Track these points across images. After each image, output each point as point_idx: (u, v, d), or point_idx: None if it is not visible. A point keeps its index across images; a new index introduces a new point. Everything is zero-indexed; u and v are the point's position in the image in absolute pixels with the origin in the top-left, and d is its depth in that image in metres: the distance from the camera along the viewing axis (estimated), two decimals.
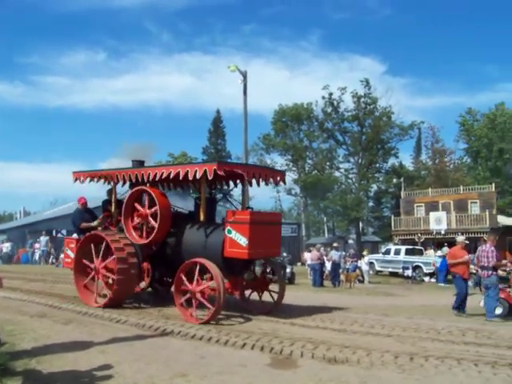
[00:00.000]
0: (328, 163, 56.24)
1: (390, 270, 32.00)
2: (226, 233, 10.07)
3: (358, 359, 7.19)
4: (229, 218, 10.19)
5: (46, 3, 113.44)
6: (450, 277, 24.59)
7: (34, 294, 13.42)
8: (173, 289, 10.59)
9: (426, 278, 28.25)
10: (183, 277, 10.07)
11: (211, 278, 9.84)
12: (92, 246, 11.50)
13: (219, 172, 10.01)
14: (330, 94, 52.22)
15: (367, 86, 51.83)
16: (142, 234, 11.34)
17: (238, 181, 12.38)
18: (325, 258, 25.08)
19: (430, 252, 31.39)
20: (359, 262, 27.19)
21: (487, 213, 35.49)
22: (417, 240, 37.20)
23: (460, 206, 38.08)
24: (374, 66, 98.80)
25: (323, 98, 52.72)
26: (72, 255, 12.45)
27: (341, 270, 24.54)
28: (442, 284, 25.27)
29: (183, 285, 10.09)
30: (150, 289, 12.51)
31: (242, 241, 9.80)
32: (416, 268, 28.98)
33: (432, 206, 39.56)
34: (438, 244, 34.95)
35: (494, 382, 6.34)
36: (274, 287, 11.52)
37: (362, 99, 51.92)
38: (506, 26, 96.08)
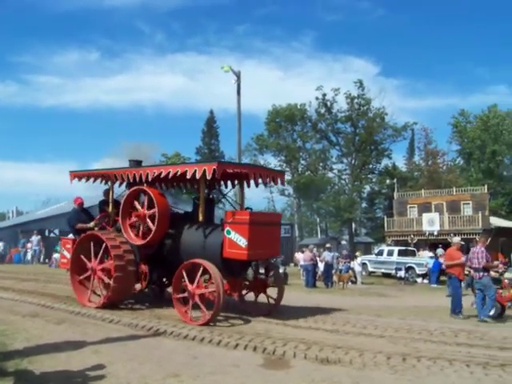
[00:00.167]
0: (321, 164, 56.32)
1: (383, 270, 32.03)
2: (225, 233, 9.97)
3: (351, 360, 7.21)
4: (228, 219, 10.10)
5: (39, 2, 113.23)
6: (442, 278, 24.78)
7: (26, 294, 13.38)
8: (171, 290, 10.53)
9: (419, 279, 28.28)
10: (184, 276, 9.99)
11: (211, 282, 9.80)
12: (89, 246, 11.41)
13: (218, 172, 9.94)
14: (324, 95, 52.35)
15: (361, 87, 52.00)
16: (139, 234, 11.25)
17: (235, 181, 12.32)
18: (318, 258, 25.09)
19: (424, 253, 31.39)
20: (352, 262, 27.20)
21: (480, 214, 35.59)
22: (410, 241, 37.27)
23: (453, 208, 38.17)
24: (368, 67, 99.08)
25: (317, 98, 52.89)
26: (68, 256, 12.34)
27: (333, 271, 24.58)
28: (435, 285, 25.31)
29: (182, 286, 10.03)
30: (146, 290, 12.42)
31: (242, 241, 9.71)
32: (409, 269, 29.01)
33: (425, 207, 39.65)
34: (430, 245, 35.00)
35: (485, 382, 6.38)
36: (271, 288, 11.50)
37: (356, 100, 52.05)
38: (499, 28, 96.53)
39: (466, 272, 15.35)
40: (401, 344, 8.50)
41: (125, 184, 12.62)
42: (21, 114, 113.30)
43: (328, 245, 27.79)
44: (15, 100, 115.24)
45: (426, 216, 37.79)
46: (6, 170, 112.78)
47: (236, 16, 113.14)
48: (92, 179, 12.78)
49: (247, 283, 11.49)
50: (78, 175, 12.93)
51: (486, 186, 40.14)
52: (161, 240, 11.15)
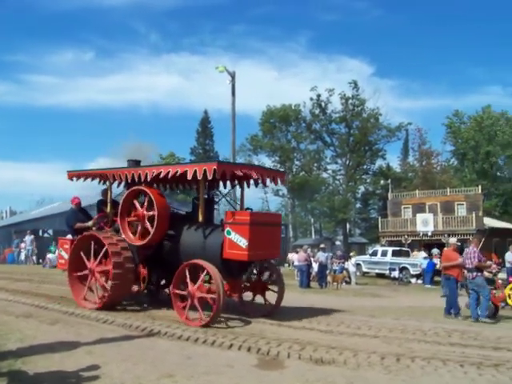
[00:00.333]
0: (315, 164, 56.31)
1: (377, 271, 32.07)
2: (226, 234, 9.88)
3: (345, 360, 7.22)
4: (228, 219, 10.03)
5: (34, 1, 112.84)
6: (436, 278, 24.85)
7: (19, 294, 13.34)
8: (168, 291, 10.46)
9: (413, 280, 28.35)
10: (187, 275, 9.87)
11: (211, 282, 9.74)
12: (87, 246, 11.31)
13: (218, 172, 9.89)
14: (318, 96, 52.35)
15: (355, 87, 52.05)
16: (138, 234, 11.13)
17: (235, 181, 12.19)
18: (312, 259, 25.11)
19: (420, 253, 31.40)
20: (346, 263, 27.23)
21: (473, 215, 35.69)
22: (404, 241, 37.34)
23: (447, 208, 38.27)
24: (362, 68, 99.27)
25: (311, 99, 52.89)
26: (66, 256, 12.23)
27: (328, 272, 24.60)
28: (429, 285, 25.38)
29: (181, 287, 9.95)
30: (145, 291, 12.30)
31: (242, 242, 9.62)
32: (403, 269, 29.07)
33: (419, 208, 39.72)
34: (425, 245, 35.08)
35: (479, 382, 6.39)
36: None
37: (350, 101, 52.08)
38: (494, 29, 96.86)
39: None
40: (395, 344, 8.51)
41: (123, 184, 12.55)
42: (16, 113, 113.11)
43: (322, 245, 27.83)
44: (10, 99, 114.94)
45: (419, 216, 37.86)
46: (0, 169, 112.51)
47: (231, 16, 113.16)
48: (90, 179, 12.65)
49: (248, 284, 11.46)
50: (75, 175, 12.82)
51: (479, 187, 40.24)
52: (160, 241, 11.04)
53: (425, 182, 51.90)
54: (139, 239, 11.06)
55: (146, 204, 10.98)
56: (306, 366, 6.97)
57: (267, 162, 56.82)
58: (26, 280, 18.37)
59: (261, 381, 6.26)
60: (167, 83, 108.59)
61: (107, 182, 12.42)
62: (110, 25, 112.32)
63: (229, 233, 9.84)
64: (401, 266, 29.25)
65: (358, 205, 62.78)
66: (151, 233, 10.72)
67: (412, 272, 28.69)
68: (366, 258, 33.66)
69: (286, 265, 36.38)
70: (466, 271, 12.76)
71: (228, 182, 12.33)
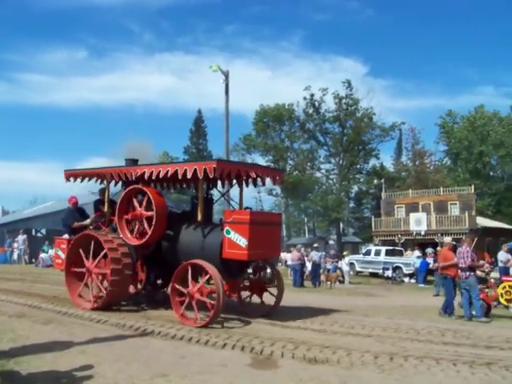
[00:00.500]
0: (309, 164, 56.30)
1: (371, 270, 32.11)
2: (225, 233, 9.82)
3: (338, 359, 7.23)
4: (227, 218, 9.96)
5: (26, 0, 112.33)
6: (429, 278, 24.92)
7: (12, 294, 13.30)
8: (169, 290, 10.35)
9: (406, 279, 28.40)
10: (186, 275, 9.78)
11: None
12: (84, 246, 11.24)
13: (218, 171, 9.84)
14: (312, 95, 52.37)
15: (349, 87, 52.09)
16: (136, 234, 11.07)
17: (233, 180, 11.95)
18: (305, 258, 25.12)
19: (414, 252, 31.41)
20: (340, 262, 27.26)
21: (466, 214, 35.78)
22: (397, 241, 37.42)
23: (440, 208, 38.37)
24: (356, 68, 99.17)
25: (305, 98, 52.89)
26: (63, 256, 12.13)
27: (321, 271, 24.62)
28: (422, 285, 25.43)
29: (180, 287, 9.82)
30: (143, 291, 12.24)
31: (242, 241, 9.56)
32: (396, 269, 29.12)
33: (412, 207, 39.81)
34: (418, 245, 35.15)
35: (471, 381, 6.42)
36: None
37: (344, 100, 52.13)
38: (487, 29, 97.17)
39: None
40: (388, 343, 8.53)
41: (120, 183, 12.46)
42: (8, 112, 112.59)
43: (316, 244, 27.84)
44: (2, 98, 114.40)
45: (413, 216, 37.93)
46: None
47: (225, 16, 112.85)
48: (87, 179, 12.52)
49: (247, 284, 11.43)
50: (72, 174, 12.67)
51: (472, 187, 40.38)
52: (158, 240, 10.98)
53: (418, 181, 52.02)
54: (137, 239, 11.01)
55: (144, 203, 10.90)
56: (299, 365, 6.98)
57: (261, 161, 56.77)
58: (19, 280, 18.33)
59: (254, 380, 6.27)
60: (161, 82, 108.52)
61: (104, 182, 12.30)
62: (103, 24, 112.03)
63: (228, 232, 9.78)
64: (394, 265, 29.29)
65: (352, 204, 62.82)
66: (149, 232, 10.66)
67: (405, 271, 28.74)
68: (360, 257, 33.68)
69: (280, 264, 36.37)
70: (459, 271, 12.80)
71: (226, 181, 12.23)
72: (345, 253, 30.90)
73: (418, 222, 36.95)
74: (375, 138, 53.77)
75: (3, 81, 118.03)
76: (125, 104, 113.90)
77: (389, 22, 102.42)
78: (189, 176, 10.25)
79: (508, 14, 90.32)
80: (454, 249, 13.48)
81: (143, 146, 12.80)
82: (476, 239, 30.19)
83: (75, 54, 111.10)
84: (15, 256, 32.91)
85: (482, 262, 17.13)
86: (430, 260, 25.63)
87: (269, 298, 11.36)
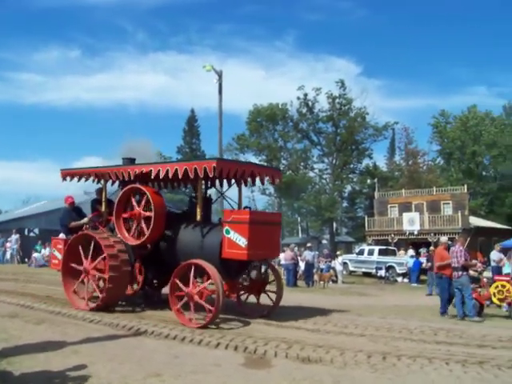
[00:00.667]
0: (302, 163, 56.29)
1: (364, 270, 32.20)
2: (224, 233, 9.74)
3: (332, 359, 7.24)
4: (227, 218, 9.89)
5: None
6: (423, 277, 24.99)
7: (5, 294, 13.24)
8: (167, 291, 10.22)
9: (399, 279, 28.49)
10: (191, 276, 9.62)
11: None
12: (81, 246, 11.10)
13: (218, 170, 9.77)
14: (305, 95, 52.35)
15: (342, 86, 52.08)
16: (134, 233, 10.96)
17: (232, 180, 11.86)
18: (299, 258, 25.14)
19: (409, 252, 31.44)
20: (333, 262, 27.31)
21: (459, 214, 35.88)
22: (390, 240, 37.50)
23: (433, 207, 38.47)
24: (349, 68, 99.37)
25: (298, 98, 52.85)
26: (60, 256, 11.98)
27: (314, 270, 24.65)
28: (415, 284, 25.51)
29: (179, 287, 9.71)
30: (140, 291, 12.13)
31: (241, 241, 9.48)
32: (389, 268, 29.21)
33: (405, 207, 39.90)
34: (411, 244, 35.21)
35: (464, 379, 6.44)
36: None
37: (337, 100, 52.11)
38: (480, 29, 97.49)
39: None
40: (381, 343, 8.55)
41: (117, 183, 12.34)
42: (1, 111, 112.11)
43: (309, 244, 27.90)
44: None
45: (406, 215, 38.01)
46: None
47: (219, 15, 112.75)
48: (84, 178, 12.37)
49: (246, 284, 11.38)
50: (69, 174, 12.52)
51: (465, 186, 40.48)
52: (156, 240, 10.89)
53: (411, 181, 52.07)
54: (135, 238, 10.92)
55: (143, 203, 10.80)
56: (292, 364, 6.99)
57: (254, 161, 56.78)
58: (12, 279, 18.28)
59: (248, 380, 6.27)
60: (154, 82, 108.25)
61: (102, 181, 12.14)
62: (96, 23, 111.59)
63: (228, 232, 9.71)
64: (387, 264, 29.39)
65: (345, 204, 62.85)
66: (148, 232, 10.56)
67: (398, 271, 28.83)
68: (353, 256, 33.75)
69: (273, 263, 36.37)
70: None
71: (225, 181, 12.12)
72: (338, 252, 30.97)
73: (411, 222, 37.04)
74: (368, 138, 53.85)
75: None
76: (118, 103, 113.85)
77: (382, 22, 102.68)
78: (191, 176, 10.18)
79: (501, 14, 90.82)
80: (447, 248, 13.51)
81: (143, 145, 12.73)
82: (469, 239, 30.28)
83: (69, 53, 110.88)
84: (8, 256, 32.80)
85: (474, 261, 17.18)
86: (422, 259, 25.72)
87: (264, 298, 11.34)
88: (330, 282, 24.25)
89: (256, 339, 8.38)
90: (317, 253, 27.78)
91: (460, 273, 12.37)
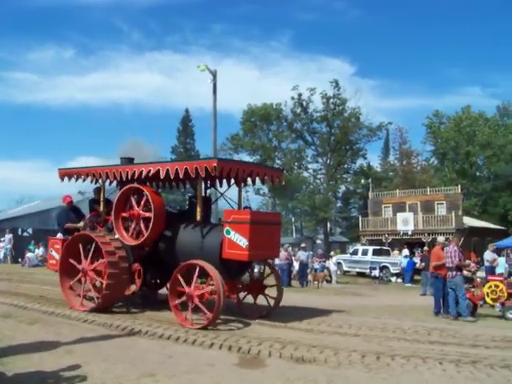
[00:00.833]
0: (296, 163, 56.22)
1: (358, 270, 32.21)
2: (225, 233, 9.67)
3: (326, 358, 7.25)
4: (227, 218, 9.82)
5: None
6: (416, 277, 25.04)
7: None
8: (167, 291, 10.20)
9: (393, 278, 28.53)
10: (195, 277, 9.56)
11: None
12: (79, 246, 11.01)
13: (218, 169, 9.68)
14: (300, 95, 52.30)
15: (336, 87, 52.07)
16: (133, 234, 10.89)
17: (231, 179, 11.77)
18: (293, 258, 25.14)
19: (404, 251, 31.45)
20: (327, 262, 27.33)
21: (453, 214, 35.95)
22: (384, 240, 37.55)
23: (427, 207, 38.53)
24: (344, 68, 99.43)
25: (292, 98, 52.77)
26: (57, 256, 11.91)
27: (309, 270, 24.66)
28: (409, 284, 25.56)
29: (179, 287, 9.65)
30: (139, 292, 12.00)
31: (242, 242, 9.42)
32: (383, 268, 29.25)
33: (399, 207, 39.96)
34: (405, 244, 35.26)
35: (457, 379, 6.46)
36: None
37: (331, 100, 52.08)
38: (473, 30, 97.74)
39: None
40: (375, 342, 8.57)
41: (114, 183, 12.30)
42: None
43: (303, 245, 27.87)
44: None
45: (400, 216, 38.06)
46: None
47: (213, 15, 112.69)
48: (82, 178, 12.17)
49: (245, 285, 11.34)
50: (67, 173, 12.35)
51: (459, 186, 40.56)
52: (156, 240, 10.82)
53: (405, 181, 52.13)
54: (134, 239, 10.84)
55: (141, 203, 10.71)
56: (286, 364, 7.00)
57: (248, 161, 56.75)
58: (5, 279, 18.20)
59: (242, 379, 6.27)
60: (150, 82, 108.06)
61: (100, 181, 12.01)
62: (91, 22, 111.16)
63: (228, 232, 9.64)
64: (381, 264, 29.41)
65: (339, 204, 62.87)
66: (147, 232, 10.49)
67: (392, 271, 28.87)
68: (347, 256, 33.76)
69: None
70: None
71: (224, 180, 12.04)
72: (332, 253, 30.99)
73: (405, 222, 37.09)
74: (362, 138, 53.84)
75: None
76: (113, 103, 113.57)
77: (376, 22, 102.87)
78: (193, 175, 10.13)
79: (494, 14, 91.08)
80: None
81: (146, 146, 12.68)
82: (462, 239, 30.36)
83: (63, 53, 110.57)
84: (1, 255, 32.69)
85: (468, 261, 17.24)
86: (416, 260, 25.76)
87: (261, 299, 11.33)
88: (324, 282, 24.26)
89: (250, 339, 8.38)
90: (311, 253, 27.77)
91: (454, 273, 12.40)
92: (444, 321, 11.93)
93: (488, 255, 21.39)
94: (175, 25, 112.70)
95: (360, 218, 42.43)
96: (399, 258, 29.17)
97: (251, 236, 9.45)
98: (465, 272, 13.47)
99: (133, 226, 10.92)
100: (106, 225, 11.75)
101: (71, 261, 11.17)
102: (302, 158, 56.39)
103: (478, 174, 57.59)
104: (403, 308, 14.57)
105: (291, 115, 54.05)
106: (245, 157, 55.88)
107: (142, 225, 10.70)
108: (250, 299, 11.47)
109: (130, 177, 10.95)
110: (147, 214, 10.58)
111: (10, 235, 32.66)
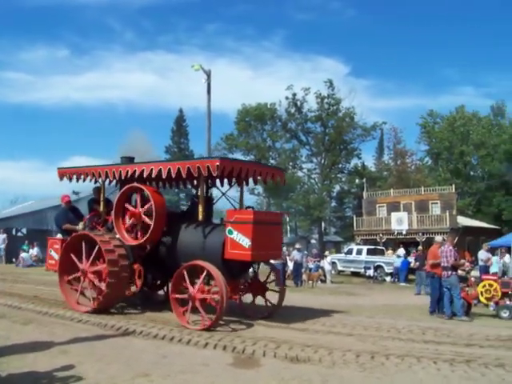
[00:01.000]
0: (291, 163, 56.25)
1: (352, 269, 32.22)
2: (227, 233, 9.60)
3: (320, 358, 7.26)
4: (230, 218, 9.75)
5: None
6: (411, 277, 25.08)
7: None
8: (169, 292, 10.13)
9: (388, 278, 28.56)
10: (200, 279, 9.50)
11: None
12: (79, 247, 10.90)
13: (221, 169, 9.63)
14: (294, 95, 52.38)
15: (331, 86, 52.15)
16: (134, 234, 10.80)
17: (232, 179, 11.77)
18: (287, 257, 25.14)
19: (400, 250, 31.43)
20: (322, 261, 27.33)
21: (447, 213, 36.02)
22: (378, 240, 37.59)
23: (421, 207, 38.59)
24: (338, 67, 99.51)
25: (287, 98, 52.85)
26: (56, 256, 11.78)
27: (303, 270, 24.65)
28: (403, 283, 25.60)
29: (182, 288, 9.61)
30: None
31: (245, 242, 9.36)
32: (377, 268, 29.28)
33: (393, 207, 39.99)
34: (400, 243, 35.30)
35: (451, 378, 6.48)
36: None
37: (326, 100, 52.17)
38: (468, 30, 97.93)
39: None
40: (369, 342, 8.58)
41: (114, 182, 12.24)
42: None
43: (297, 245, 27.86)
44: None
45: (394, 215, 38.10)
46: None
47: (206, 15, 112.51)
48: (82, 178, 11.99)
49: (247, 285, 11.30)
50: (66, 173, 12.21)
51: (453, 186, 40.64)
52: (157, 240, 10.73)
53: (399, 181, 52.20)
54: (135, 239, 10.76)
55: (143, 202, 10.65)
56: (281, 364, 7.00)
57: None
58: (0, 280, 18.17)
59: (236, 379, 6.27)
60: (143, 81, 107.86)
61: (99, 180, 11.88)
62: (84, 22, 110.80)
63: (230, 232, 9.58)
64: (376, 264, 29.44)
65: (334, 203, 63.00)
66: (148, 232, 10.41)
67: (387, 270, 28.91)
68: (342, 256, 33.80)
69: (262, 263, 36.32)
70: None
71: (226, 180, 11.97)
72: (327, 252, 31.00)
73: (400, 222, 37.13)
74: (357, 138, 54.00)
75: None
76: (107, 103, 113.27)
77: (370, 22, 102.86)
78: (195, 174, 10.11)
79: (488, 14, 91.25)
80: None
81: (147, 146, 12.61)
82: (457, 238, 30.40)
83: (56, 52, 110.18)
84: None
85: (462, 260, 17.27)
86: (411, 259, 25.79)
87: (259, 299, 11.29)
88: (319, 282, 24.26)
89: (244, 339, 8.39)
90: (305, 253, 27.76)
91: (449, 272, 12.43)
92: (438, 320, 11.96)
93: (482, 254, 21.46)
94: (168, 24, 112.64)
95: (354, 218, 42.46)
96: (393, 258, 29.20)
97: (254, 236, 9.39)
98: (459, 271, 13.49)
99: (133, 225, 10.83)
100: (105, 225, 11.65)
101: (72, 256, 11.02)
102: (297, 158, 56.47)
103: (471, 173, 57.74)
104: (398, 307, 14.60)
105: (285, 115, 54.15)
106: (239, 156, 55.84)
107: (143, 224, 10.61)
108: (249, 299, 11.46)
109: (130, 176, 10.87)
110: (148, 214, 10.48)
111: (4, 235, 32.55)
